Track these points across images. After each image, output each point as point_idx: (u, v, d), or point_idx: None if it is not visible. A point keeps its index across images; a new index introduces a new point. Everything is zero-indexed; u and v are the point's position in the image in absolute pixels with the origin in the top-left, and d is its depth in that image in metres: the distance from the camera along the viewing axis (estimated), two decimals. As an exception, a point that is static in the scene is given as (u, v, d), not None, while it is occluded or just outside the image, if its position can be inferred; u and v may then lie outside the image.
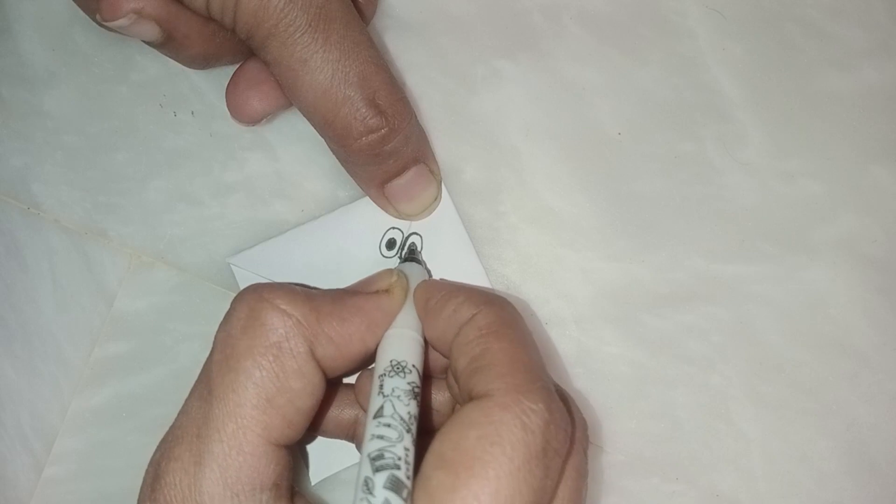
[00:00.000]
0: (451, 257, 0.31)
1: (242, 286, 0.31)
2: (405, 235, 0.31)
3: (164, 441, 0.24)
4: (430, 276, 0.31)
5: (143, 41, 0.27)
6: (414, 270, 0.29)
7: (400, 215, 0.31)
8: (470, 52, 0.33)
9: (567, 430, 0.23)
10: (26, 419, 0.32)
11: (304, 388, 0.24)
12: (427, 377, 0.28)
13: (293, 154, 0.33)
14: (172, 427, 0.25)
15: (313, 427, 0.28)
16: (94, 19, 0.27)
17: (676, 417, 0.31)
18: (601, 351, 0.31)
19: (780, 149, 0.32)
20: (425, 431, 0.26)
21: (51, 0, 0.33)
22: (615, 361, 0.31)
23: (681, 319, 0.31)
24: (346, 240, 0.31)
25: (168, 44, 0.27)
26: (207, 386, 0.24)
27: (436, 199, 0.31)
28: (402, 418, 0.23)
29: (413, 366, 0.25)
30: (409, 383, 0.24)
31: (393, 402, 0.24)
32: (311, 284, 0.31)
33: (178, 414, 0.25)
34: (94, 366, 0.32)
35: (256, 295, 0.25)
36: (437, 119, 0.32)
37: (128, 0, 0.25)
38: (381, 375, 0.25)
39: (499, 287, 0.32)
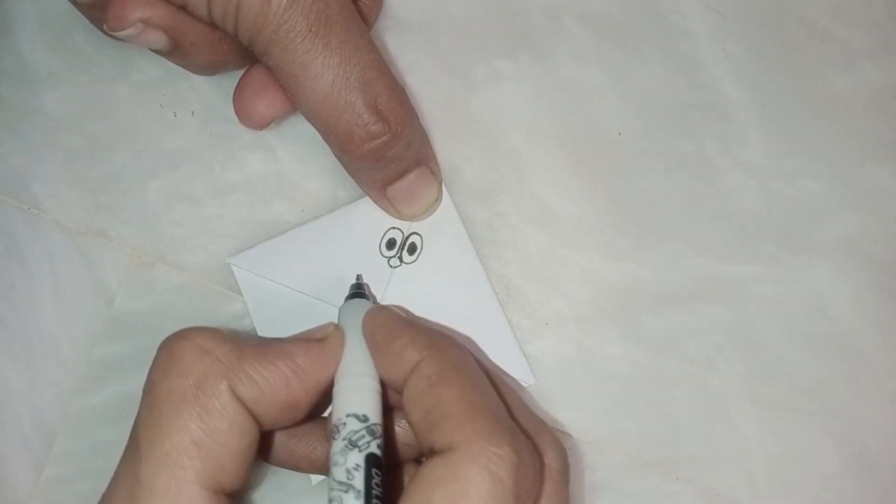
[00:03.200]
0: (451, 257, 0.31)
1: (242, 286, 0.31)
2: (405, 235, 0.31)
3: None
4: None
5: (151, 49, 0.27)
6: (361, 308, 0.28)
7: (401, 216, 0.31)
8: (470, 52, 0.33)
9: (536, 468, 0.23)
10: (26, 419, 0.32)
11: (230, 428, 0.23)
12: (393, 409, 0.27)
13: (293, 154, 0.33)
14: (103, 495, 0.24)
15: (288, 465, 0.28)
16: (101, 29, 0.27)
17: (676, 417, 0.31)
18: (601, 351, 0.31)
19: (780, 149, 0.32)
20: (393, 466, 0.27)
21: (51, 0, 0.33)
22: (615, 361, 0.31)
23: (681, 319, 0.31)
24: (346, 240, 0.31)
25: (175, 52, 0.27)
26: (134, 443, 0.23)
27: (437, 200, 0.31)
28: (339, 483, 0.23)
29: (347, 415, 0.24)
30: (343, 439, 0.24)
31: (333, 470, 0.24)
32: (312, 284, 0.31)
33: (110, 480, 0.24)
34: (94, 366, 0.32)
35: (178, 336, 0.25)
36: (438, 119, 0.32)
37: (134, 9, 0.25)
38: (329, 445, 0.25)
39: (499, 287, 0.32)
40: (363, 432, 0.24)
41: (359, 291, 0.30)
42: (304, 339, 0.26)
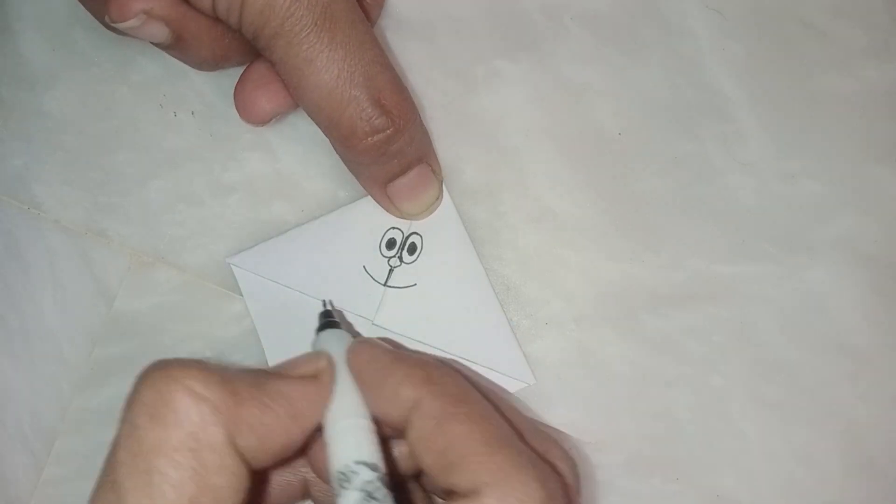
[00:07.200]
0: (451, 257, 0.31)
1: (242, 286, 0.31)
2: (405, 235, 0.31)
3: None
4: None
5: (152, 43, 0.27)
6: (339, 339, 0.27)
7: (402, 215, 0.31)
8: (470, 52, 0.33)
9: (562, 495, 0.22)
10: (26, 419, 0.32)
11: (228, 484, 0.21)
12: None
13: (293, 154, 0.33)
14: None
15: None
16: (103, 21, 0.27)
17: (676, 417, 0.31)
18: (601, 351, 0.31)
19: (780, 149, 0.32)
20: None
21: (51, 0, 0.33)
22: (615, 361, 0.31)
23: (681, 319, 0.31)
24: (346, 240, 0.31)
25: (177, 45, 0.27)
26: (115, 491, 0.21)
27: (437, 199, 0.31)
28: None
29: (356, 463, 0.23)
30: (360, 490, 0.22)
31: None
32: (312, 284, 0.31)
33: None
34: (94, 366, 0.32)
35: (164, 374, 0.22)
36: (438, 119, 0.32)
37: (136, 0, 0.25)
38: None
39: (499, 287, 0.32)
40: (378, 483, 0.23)
41: (330, 320, 0.28)
42: (298, 378, 0.24)
